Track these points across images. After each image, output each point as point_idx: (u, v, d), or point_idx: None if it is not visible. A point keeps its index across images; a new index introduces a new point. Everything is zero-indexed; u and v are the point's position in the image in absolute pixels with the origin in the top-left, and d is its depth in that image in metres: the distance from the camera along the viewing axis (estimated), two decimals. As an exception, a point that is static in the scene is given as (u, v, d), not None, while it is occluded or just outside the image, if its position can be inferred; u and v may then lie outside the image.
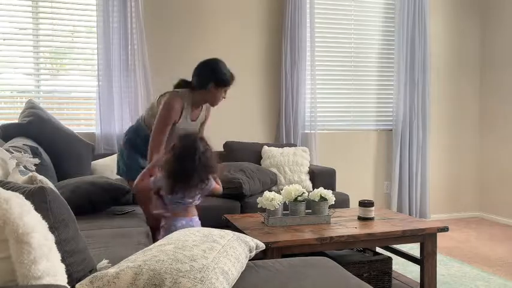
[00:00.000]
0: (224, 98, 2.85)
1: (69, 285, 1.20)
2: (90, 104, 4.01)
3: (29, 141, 2.90)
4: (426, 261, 2.65)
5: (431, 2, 4.87)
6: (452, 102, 5.08)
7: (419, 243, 2.68)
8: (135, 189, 2.56)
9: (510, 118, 4.78)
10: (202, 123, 3.02)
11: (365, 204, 2.81)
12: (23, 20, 3.80)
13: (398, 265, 3.35)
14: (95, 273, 1.22)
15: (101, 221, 2.59)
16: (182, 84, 2.89)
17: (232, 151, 3.99)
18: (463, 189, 5.15)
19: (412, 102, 4.75)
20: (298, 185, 2.73)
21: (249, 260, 1.75)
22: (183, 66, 4.16)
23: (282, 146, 4.09)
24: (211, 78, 2.74)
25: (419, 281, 2.76)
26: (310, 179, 3.87)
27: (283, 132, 4.36)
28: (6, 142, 2.86)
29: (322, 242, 2.39)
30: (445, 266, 3.37)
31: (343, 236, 2.43)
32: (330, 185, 3.86)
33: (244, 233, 2.45)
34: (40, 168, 2.56)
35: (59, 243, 1.24)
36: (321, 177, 3.86)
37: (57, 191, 1.43)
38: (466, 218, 5.13)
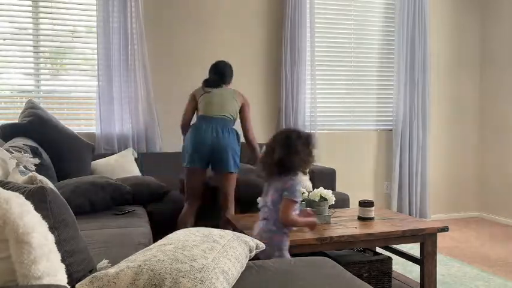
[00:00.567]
0: None
1: (69, 285, 1.20)
2: (90, 104, 4.01)
3: (29, 141, 2.90)
4: (426, 261, 2.65)
5: (431, 0, 4.87)
6: (452, 102, 5.08)
7: (419, 243, 2.68)
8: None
9: (510, 118, 4.78)
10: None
11: (365, 204, 2.81)
12: (23, 20, 3.80)
13: (398, 265, 3.35)
14: (95, 273, 1.22)
15: (101, 221, 2.59)
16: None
17: (232, 151, 3.98)
18: (463, 189, 5.15)
19: (412, 102, 4.75)
20: (298, 185, 2.73)
21: (249, 260, 1.75)
22: (183, 66, 4.18)
23: (282, 146, 4.08)
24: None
25: (419, 281, 2.76)
26: (310, 179, 3.87)
27: (283, 132, 4.35)
28: (6, 142, 2.86)
29: (322, 242, 2.39)
30: (445, 266, 3.37)
31: (343, 236, 2.43)
32: (330, 185, 3.86)
33: (244, 233, 2.45)
34: (40, 168, 2.56)
35: (59, 243, 1.24)
36: (321, 177, 3.86)
37: (57, 191, 1.43)
38: (466, 218, 5.13)
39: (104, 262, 1.45)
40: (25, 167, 1.94)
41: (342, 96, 4.70)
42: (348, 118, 4.74)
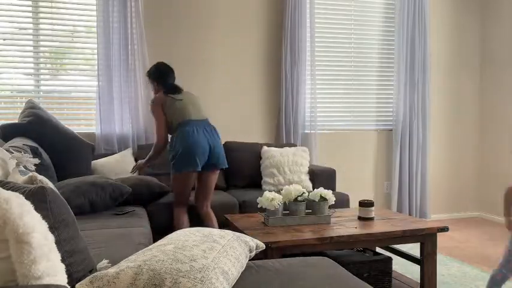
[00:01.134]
0: None
1: (69, 285, 1.20)
2: (90, 104, 4.01)
3: (29, 141, 2.90)
4: (426, 261, 2.65)
5: (431, 0, 4.87)
6: (452, 102, 5.08)
7: (419, 243, 2.68)
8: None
9: (510, 118, 4.78)
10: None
11: (365, 204, 2.81)
12: (23, 20, 3.80)
13: (398, 265, 3.35)
14: (95, 273, 1.22)
15: (101, 221, 2.59)
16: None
17: (232, 151, 3.99)
18: (463, 189, 5.15)
19: (412, 102, 4.75)
20: (298, 185, 2.73)
21: (249, 260, 1.75)
22: (183, 66, 4.18)
23: (281, 146, 4.09)
24: None
25: (419, 281, 2.76)
26: (310, 179, 3.87)
27: (283, 132, 4.36)
28: (6, 142, 2.86)
29: (322, 242, 2.39)
30: (445, 266, 3.37)
31: (343, 236, 2.43)
32: (330, 185, 3.86)
33: (244, 233, 2.45)
34: (40, 168, 2.56)
35: (59, 243, 1.24)
36: (321, 177, 3.86)
37: (57, 191, 1.43)
38: (466, 218, 5.13)
39: (104, 262, 1.45)
40: (25, 167, 1.94)
41: (342, 96, 4.70)
42: (348, 118, 4.74)
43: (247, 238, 1.74)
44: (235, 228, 2.63)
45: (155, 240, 2.84)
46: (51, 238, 1.14)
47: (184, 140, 3.06)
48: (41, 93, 3.90)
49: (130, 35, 3.88)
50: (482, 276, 3.17)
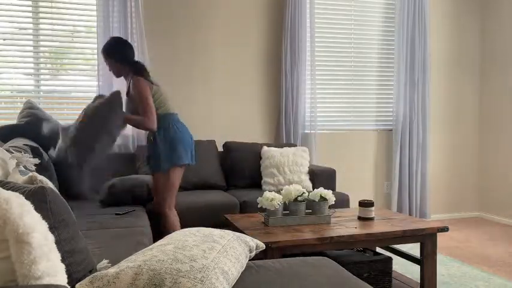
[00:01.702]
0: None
1: (69, 285, 1.20)
2: (90, 104, 4.01)
3: (30, 141, 2.89)
4: (426, 261, 2.65)
5: (431, 0, 4.87)
6: (452, 102, 5.08)
7: (419, 243, 2.68)
8: None
9: (510, 118, 4.78)
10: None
11: (365, 204, 2.81)
12: (23, 20, 3.80)
13: (398, 265, 3.35)
14: (95, 273, 1.22)
15: (101, 221, 2.59)
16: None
17: (232, 151, 3.99)
18: (463, 189, 5.15)
19: (412, 102, 4.75)
20: (298, 185, 2.73)
21: (249, 260, 1.75)
22: (182, 66, 4.18)
23: (281, 146, 4.09)
24: None
25: (419, 281, 2.76)
26: (310, 179, 3.87)
27: (283, 132, 4.36)
28: (4, 143, 2.86)
29: (322, 242, 2.39)
30: (445, 266, 3.37)
31: (343, 236, 2.43)
32: (330, 185, 3.86)
33: (244, 233, 2.45)
34: (40, 168, 2.56)
35: (59, 243, 1.24)
36: (321, 177, 3.86)
37: (57, 191, 1.43)
38: (466, 218, 5.13)
39: (104, 262, 1.45)
40: (25, 167, 1.94)
41: (342, 96, 4.70)
42: (348, 118, 4.74)
43: (247, 238, 1.74)
44: (235, 228, 2.64)
45: (155, 240, 2.84)
46: (51, 238, 1.14)
47: (183, 131, 2.99)
48: (41, 93, 3.90)
49: (130, 35, 3.88)
50: (482, 276, 3.17)
